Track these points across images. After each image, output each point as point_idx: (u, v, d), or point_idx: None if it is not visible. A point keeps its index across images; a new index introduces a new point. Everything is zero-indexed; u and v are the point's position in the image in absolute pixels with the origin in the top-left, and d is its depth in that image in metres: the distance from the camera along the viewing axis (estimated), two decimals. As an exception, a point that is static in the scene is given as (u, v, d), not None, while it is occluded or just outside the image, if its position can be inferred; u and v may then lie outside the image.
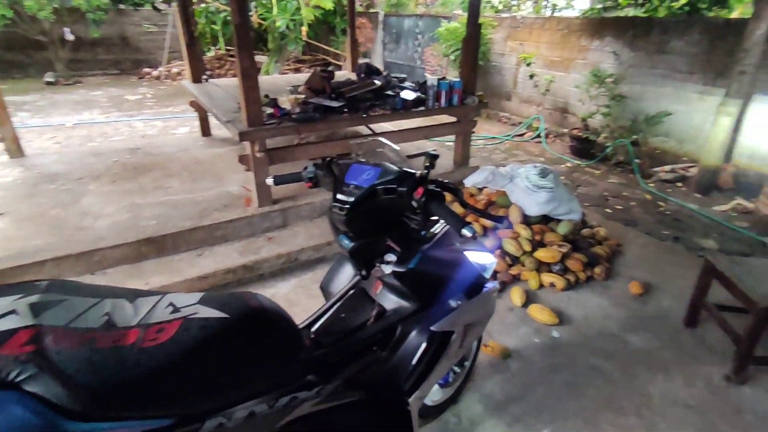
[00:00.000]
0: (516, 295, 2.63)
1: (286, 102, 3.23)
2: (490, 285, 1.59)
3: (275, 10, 7.70)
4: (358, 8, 9.50)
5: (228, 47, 8.97)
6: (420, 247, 1.33)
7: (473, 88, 3.86)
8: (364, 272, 1.27)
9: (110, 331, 0.74)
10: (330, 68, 3.79)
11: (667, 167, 4.82)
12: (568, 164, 5.31)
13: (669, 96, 4.99)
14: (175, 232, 2.84)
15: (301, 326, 1.32)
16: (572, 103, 6.14)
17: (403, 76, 4.29)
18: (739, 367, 2.08)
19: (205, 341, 0.78)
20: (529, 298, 2.66)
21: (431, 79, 3.62)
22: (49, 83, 8.49)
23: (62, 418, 0.64)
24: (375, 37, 9.58)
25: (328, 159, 1.35)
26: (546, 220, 3.10)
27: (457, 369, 1.92)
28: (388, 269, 1.29)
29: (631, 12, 5.88)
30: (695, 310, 2.44)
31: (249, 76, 2.83)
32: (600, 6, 6.18)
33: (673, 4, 5.30)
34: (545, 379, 2.12)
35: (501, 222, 1.28)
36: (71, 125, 5.87)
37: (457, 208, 2.65)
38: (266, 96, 3.42)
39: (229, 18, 8.13)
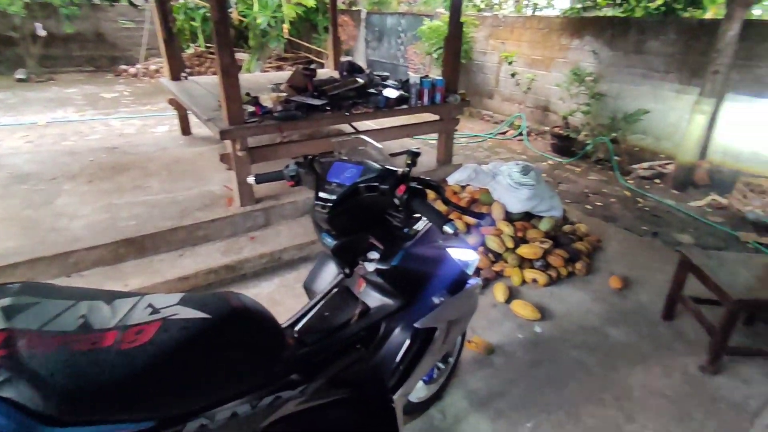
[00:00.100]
0: (499, 291, 2.66)
1: (267, 100, 3.19)
2: (472, 281, 1.60)
3: (256, 7, 7.61)
4: (341, 6, 9.46)
5: (208, 44, 8.82)
6: (403, 245, 1.33)
7: (455, 87, 3.88)
8: (347, 270, 1.26)
9: (86, 333, 0.72)
10: (312, 66, 3.76)
11: (645, 164, 4.94)
12: (550, 162, 5.38)
13: (646, 94, 5.11)
14: (155, 232, 2.78)
15: (284, 325, 1.31)
16: (553, 102, 6.23)
17: (386, 74, 4.28)
18: (714, 357, 2.14)
19: (186, 342, 0.77)
20: (512, 294, 2.69)
21: (414, 78, 3.63)
22: (20, 80, 8.21)
23: (38, 423, 0.63)
24: (358, 35, 9.55)
25: (310, 157, 1.35)
26: (528, 216, 3.14)
27: (441, 365, 1.93)
28: (371, 267, 1.29)
29: (609, 12, 5.99)
30: (672, 303, 2.50)
31: (229, 73, 2.79)
32: (579, 6, 6.29)
33: (649, 4, 5.42)
34: (528, 373, 2.15)
35: (482, 218, 1.29)
36: (44, 124, 5.69)
37: (440, 205, 2.66)
38: (247, 94, 3.37)
39: (208, 14, 7.99)
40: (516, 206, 3.07)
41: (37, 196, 3.21)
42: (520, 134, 6.29)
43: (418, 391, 1.86)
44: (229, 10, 7.61)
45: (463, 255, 1.59)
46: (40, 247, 2.55)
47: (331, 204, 1.16)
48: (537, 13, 7.65)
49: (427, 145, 4.94)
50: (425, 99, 3.63)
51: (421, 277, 1.41)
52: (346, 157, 1.34)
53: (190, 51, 9.12)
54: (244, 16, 8.02)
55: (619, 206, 4.17)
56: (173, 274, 2.62)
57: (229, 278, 2.77)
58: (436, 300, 1.43)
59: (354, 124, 4.16)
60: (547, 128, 6.10)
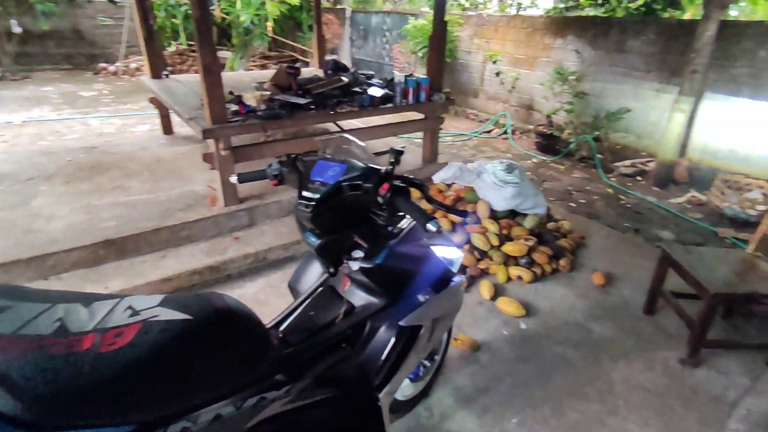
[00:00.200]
0: (485, 288, 2.68)
1: (251, 99, 3.16)
2: (457, 279, 1.60)
3: (239, 5, 7.52)
4: (325, 4, 9.40)
5: (190, 42, 8.70)
6: (387, 243, 1.33)
7: (440, 85, 3.89)
8: (331, 269, 1.26)
9: (63, 337, 0.70)
10: (297, 65, 3.74)
11: (628, 162, 5.02)
12: (534, 160, 5.44)
13: (628, 93, 5.19)
14: (136, 233, 2.73)
15: (269, 326, 1.30)
16: (537, 100, 6.30)
17: (371, 72, 4.28)
18: (693, 350, 2.19)
19: (167, 344, 0.76)
20: (498, 292, 2.71)
21: (398, 76, 3.62)
22: (-6, 78, 8.00)
23: (15, 429, 0.61)
24: (342, 34, 9.51)
25: (293, 156, 1.33)
26: (513, 214, 3.16)
27: (427, 363, 1.93)
28: (355, 266, 1.28)
29: (591, 12, 6.08)
30: (653, 298, 2.55)
31: (211, 71, 2.75)
32: (562, 5, 6.36)
33: (630, 4, 5.51)
34: (513, 369, 2.17)
35: (465, 216, 1.30)
36: (20, 123, 5.53)
37: (424, 204, 2.67)
38: (231, 93, 3.33)
39: (190, 12, 7.88)
40: (501, 204, 3.10)
41: (13, 197, 3.13)
42: (505, 133, 6.34)
43: (405, 389, 1.86)
44: (212, 8, 7.52)
45: (448, 253, 1.60)
46: (16, 250, 2.49)
47: (314, 203, 1.15)
48: (521, 13, 7.72)
49: (413, 144, 4.94)
50: (410, 98, 3.64)
51: (405, 275, 1.41)
52: (329, 156, 1.33)
53: (172, 49, 8.98)
54: (227, 14, 7.93)
55: (602, 203, 4.23)
56: (155, 276, 2.57)
57: (213, 279, 2.74)
58: (420, 298, 1.43)
59: (340, 123, 4.14)
60: (531, 127, 6.17)
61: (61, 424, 0.67)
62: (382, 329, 1.41)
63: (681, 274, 2.27)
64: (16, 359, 0.64)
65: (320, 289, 1.46)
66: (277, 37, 8.99)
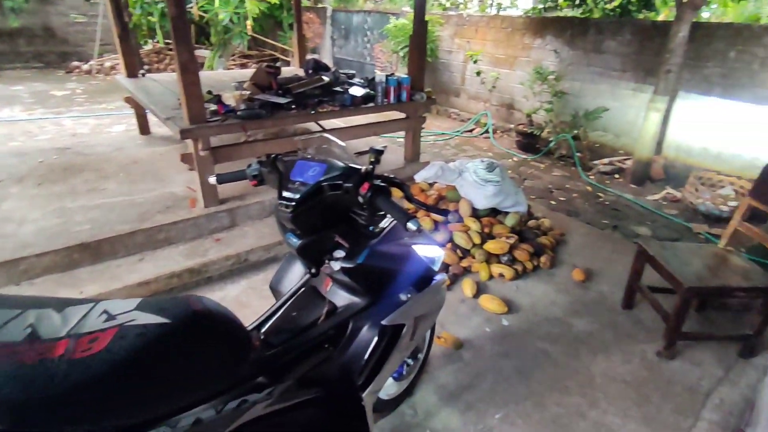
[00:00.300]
0: (467, 286, 2.70)
1: (230, 98, 3.11)
2: (439, 277, 1.61)
3: (217, 2, 7.40)
4: (305, 3, 9.33)
5: (167, 41, 8.52)
6: (368, 243, 1.33)
7: (422, 85, 3.90)
8: (313, 270, 1.25)
9: (35, 343, 0.68)
10: (277, 64, 3.70)
11: (606, 160, 5.13)
12: (515, 158, 5.51)
13: (605, 92, 5.30)
14: (112, 236, 2.66)
15: (250, 327, 1.28)
16: (517, 100, 6.38)
17: (353, 72, 4.27)
18: (669, 343, 2.25)
19: (144, 349, 0.74)
20: (480, 289, 2.73)
21: (380, 76, 3.62)
22: (-39, 77, 7.71)
23: None
24: (323, 33, 9.46)
25: (273, 156, 1.32)
26: (494, 212, 3.20)
27: (410, 361, 1.94)
28: (337, 266, 1.28)
29: (569, 13, 6.18)
30: (631, 292, 2.61)
31: (188, 70, 2.71)
32: (541, 6, 6.45)
33: (606, 6, 5.62)
34: (496, 366, 2.19)
35: (446, 215, 1.31)
36: (-11, 123, 5.36)
37: (406, 203, 2.67)
38: (209, 92, 3.28)
39: (166, 9, 7.73)
40: (482, 202, 3.12)
41: (-18, 200, 3.02)
42: (486, 132, 6.40)
43: (388, 388, 1.86)
44: (189, 5, 7.38)
45: (429, 251, 1.60)
46: (-15, 255, 2.40)
47: (294, 203, 1.14)
48: (501, 13, 7.81)
49: (395, 143, 4.95)
50: (391, 97, 3.64)
51: (387, 275, 1.41)
52: (309, 156, 1.32)
53: (149, 47, 8.80)
54: (205, 12, 7.79)
55: (581, 201, 4.31)
56: (132, 279, 2.52)
57: (193, 282, 2.69)
58: (402, 297, 1.43)
59: (321, 122, 4.12)
60: (512, 126, 6.24)
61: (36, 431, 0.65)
62: (365, 329, 1.41)
63: (657, 269, 2.33)
64: None
65: (302, 289, 1.44)
66: (256, 35, 8.88)
